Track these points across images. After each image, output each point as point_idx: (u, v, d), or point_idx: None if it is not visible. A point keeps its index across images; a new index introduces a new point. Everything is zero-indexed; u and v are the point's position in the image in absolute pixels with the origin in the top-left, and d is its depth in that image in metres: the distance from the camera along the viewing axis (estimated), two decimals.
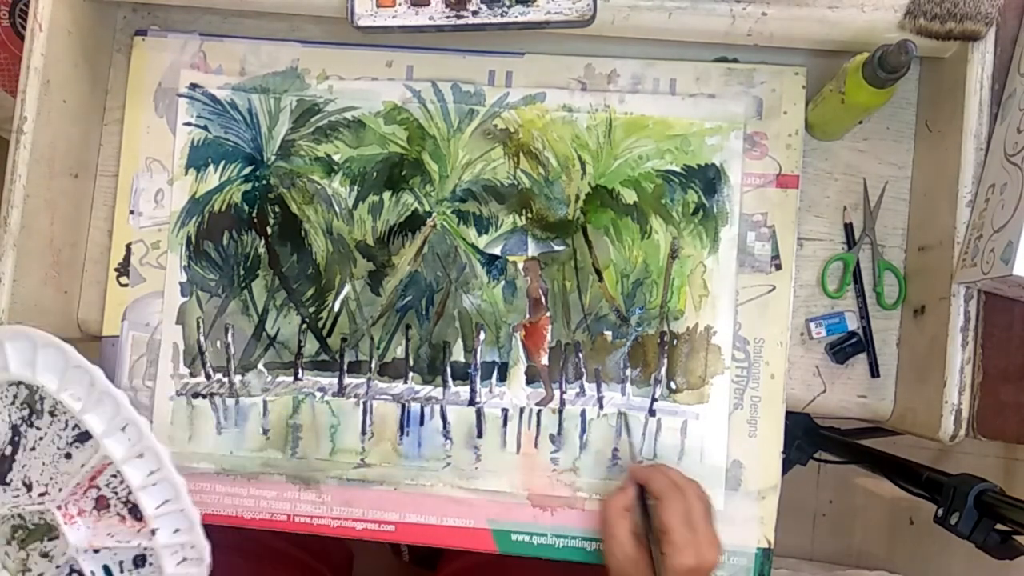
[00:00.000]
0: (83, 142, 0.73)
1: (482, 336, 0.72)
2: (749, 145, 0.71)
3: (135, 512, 0.64)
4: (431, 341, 0.72)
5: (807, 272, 0.72)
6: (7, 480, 0.65)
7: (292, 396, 0.72)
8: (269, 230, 0.73)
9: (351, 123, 0.73)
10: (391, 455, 0.71)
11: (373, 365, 0.72)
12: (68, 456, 0.64)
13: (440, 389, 0.71)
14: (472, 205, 0.72)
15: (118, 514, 0.65)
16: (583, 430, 0.71)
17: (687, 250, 0.71)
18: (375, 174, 0.73)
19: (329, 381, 0.72)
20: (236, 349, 0.72)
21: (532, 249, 0.72)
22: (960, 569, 1.40)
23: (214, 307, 0.73)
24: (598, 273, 0.71)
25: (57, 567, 0.66)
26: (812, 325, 0.72)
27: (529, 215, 0.72)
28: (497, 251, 0.72)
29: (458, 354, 0.72)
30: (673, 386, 0.70)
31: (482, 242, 0.72)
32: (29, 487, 0.65)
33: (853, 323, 0.72)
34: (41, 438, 0.65)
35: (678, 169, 0.71)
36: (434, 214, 0.72)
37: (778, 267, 0.71)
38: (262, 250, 0.73)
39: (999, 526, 0.65)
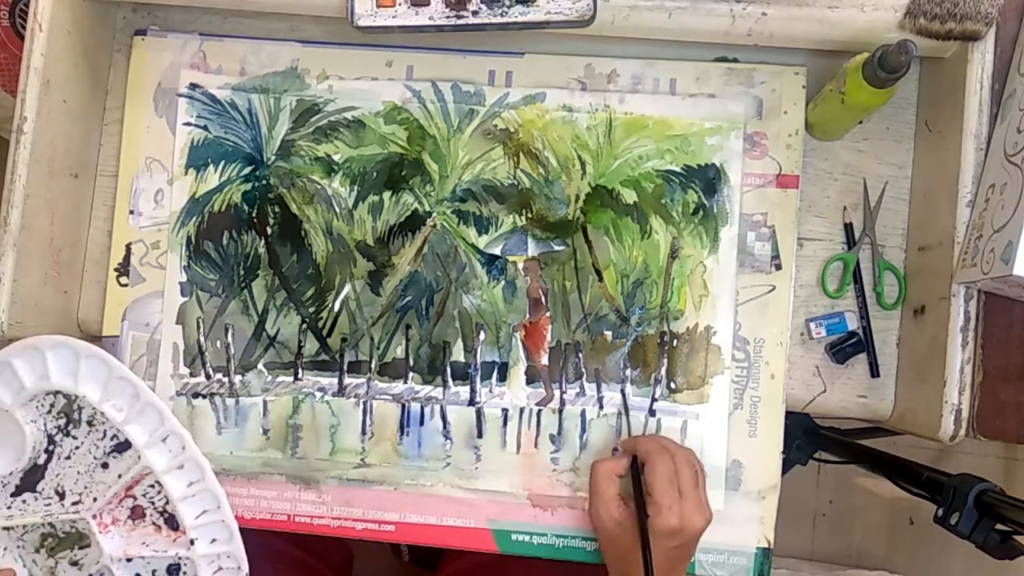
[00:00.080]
0: (83, 142, 0.73)
1: (482, 336, 0.72)
2: (749, 145, 0.71)
3: (171, 522, 0.65)
4: (431, 341, 0.72)
5: (807, 272, 0.72)
6: (38, 488, 0.66)
7: (292, 396, 0.72)
8: (269, 230, 0.73)
9: (351, 123, 0.73)
10: (391, 455, 0.71)
11: (373, 365, 0.72)
12: (104, 466, 0.65)
13: (440, 389, 0.71)
14: (472, 205, 0.72)
15: (153, 523, 0.65)
16: (583, 430, 0.71)
17: (687, 250, 0.71)
18: (375, 174, 0.73)
19: (329, 381, 0.72)
20: (236, 349, 0.72)
21: (532, 249, 0.72)
22: (960, 569, 1.40)
23: (214, 307, 0.73)
24: (598, 273, 0.71)
25: (89, 575, 0.66)
26: (812, 325, 0.72)
27: (529, 215, 0.72)
28: (497, 251, 0.72)
29: (458, 354, 0.72)
30: (673, 386, 0.70)
31: (482, 242, 0.72)
32: (62, 496, 0.65)
33: (853, 323, 0.72)
34: (77, 447, 0.65)
35: (678, 169, 0.71)
36: (434, 214, 0.72)
37: (778, 267, 0.71)
38: (262, 250, 0.73)
39: (999, 526, 0.65)
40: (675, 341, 0.71)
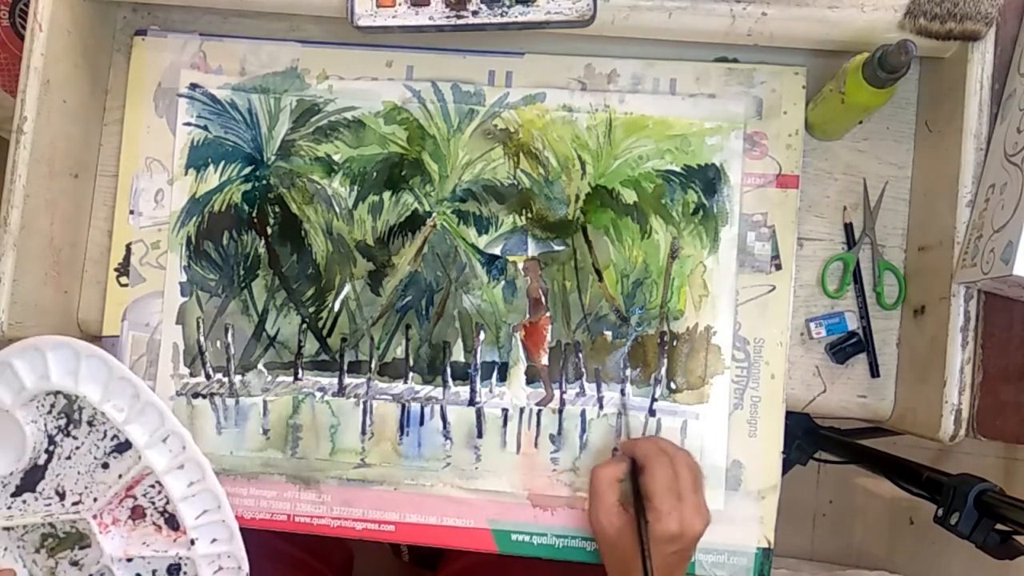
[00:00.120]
0: (83, 142, 0.73)
1: (482, 336, 0.72)
2: (749, 145, 0.71)
3: (172, 522, 0.65)
4: (431, 341, 0.72)
5: (807, 272, 0.72)
6: (38, 489, 0.66)
7: (292, 396, 0.72)
8: (269, 230, 0.73)
9: (351, 123, 0.73)
10: (391, 455, 0.71)
11: (373, 365, 0.72)
12: (105, 466, 0.65)
13: (440, 389, 0.71)
14: (472, 205, 0.72)
15: (154, 523, 0.65)
16: (583, 430, 0.71)
17: (687, 250, 0.71)
18: (375, 174, 0.73)
19: (329, 381, 0.72)
20: (236, 349, 0.72)
21: (532, 249, 0.72)
22: (960, 569, 1.40)
23: (214, 307, 0.73)
24: (598, 273, 0.71)
25: (89, 575, 0.66)
26: (812, 325, 0.72)
27: (529, 215, 0.72)
28: (497, 251, 0.72)
29: (458, 354, 0.72)
30: (673, 386, 0.70)
31: (482, 242, 0.72)
32: (62, 496, 0.65)
33: (853, 323, 0.72)
34: (77, 448, 0.65)
35: (678, 169, 0.71)
36: (434, 214, 0.72)
37: (778, 267, 0.71)
38: (262, 250, 0.73)
39: (999, 526, 0.65)
40: (675, 341, 0.71)
